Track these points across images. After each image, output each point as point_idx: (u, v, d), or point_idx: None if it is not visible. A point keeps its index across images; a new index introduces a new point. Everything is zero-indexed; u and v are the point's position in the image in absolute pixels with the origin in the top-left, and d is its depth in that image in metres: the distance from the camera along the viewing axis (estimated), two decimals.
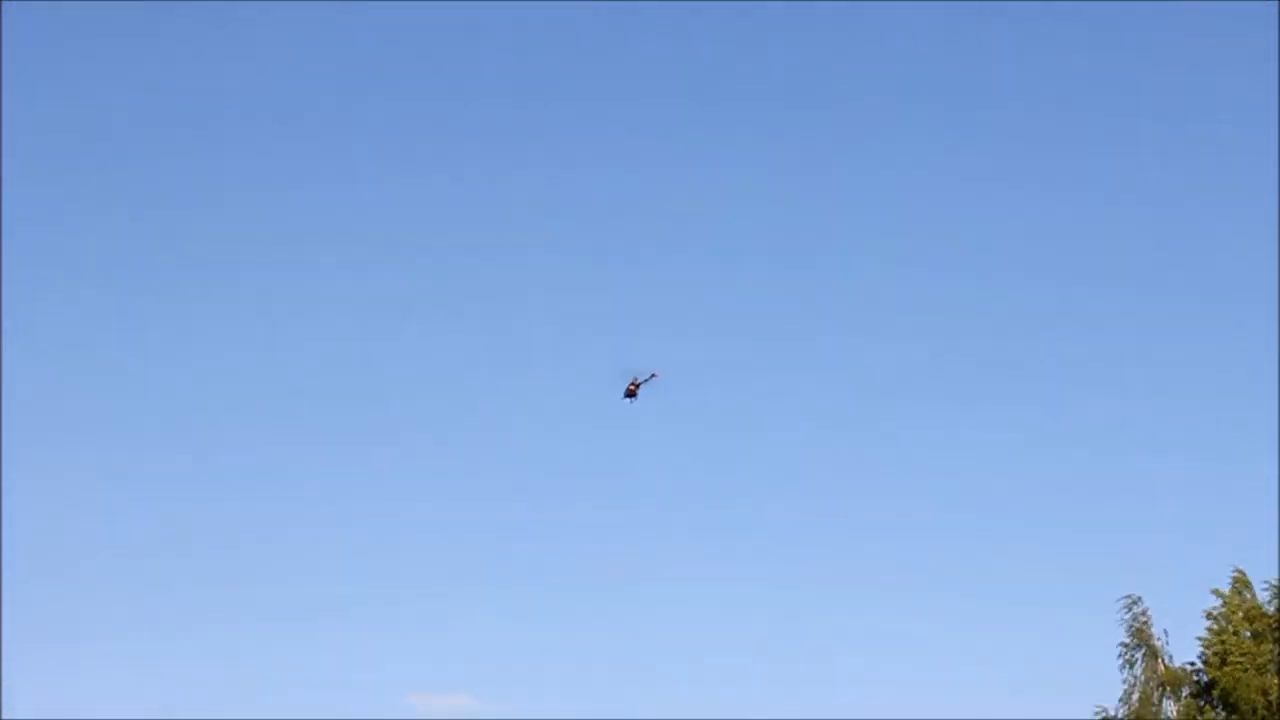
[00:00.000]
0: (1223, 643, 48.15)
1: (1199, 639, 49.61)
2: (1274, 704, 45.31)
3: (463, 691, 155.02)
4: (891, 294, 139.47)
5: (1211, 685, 48.25)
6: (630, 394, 48.21)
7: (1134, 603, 52.44)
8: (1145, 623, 52.02)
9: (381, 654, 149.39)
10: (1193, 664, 50.05)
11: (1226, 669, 47.08)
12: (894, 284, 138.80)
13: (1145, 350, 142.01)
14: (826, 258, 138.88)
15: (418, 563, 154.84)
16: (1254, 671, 46.44)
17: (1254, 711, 45.86)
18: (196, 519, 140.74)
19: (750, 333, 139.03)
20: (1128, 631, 51.96)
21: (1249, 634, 48.13)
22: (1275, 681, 45.80)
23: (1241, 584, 49.79)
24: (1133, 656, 51.47)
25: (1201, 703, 49.08)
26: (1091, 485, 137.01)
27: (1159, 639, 51.48)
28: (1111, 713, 51.21)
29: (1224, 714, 47.50)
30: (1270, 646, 47.06)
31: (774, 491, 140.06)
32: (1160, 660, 51.02)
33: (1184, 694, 49.96)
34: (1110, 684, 51.63)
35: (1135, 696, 50.49)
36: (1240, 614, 48.73)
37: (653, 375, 48.31)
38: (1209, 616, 49.50)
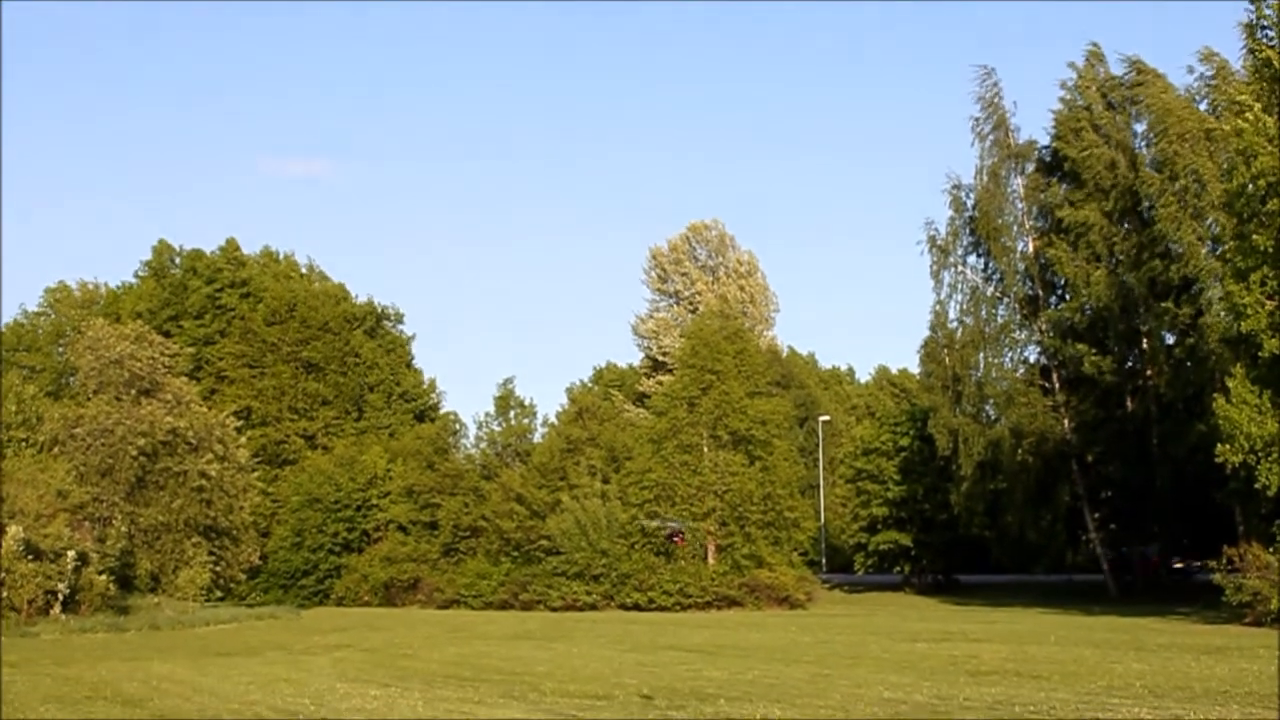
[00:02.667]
0: (1076, 117, 47.97)
1: (1052, 111, 49.41)
2: (1118, 177, 45.90)
3: (322, 156, 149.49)
4: None
5: (1061, 160, 48.62)
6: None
7: (987, 75, 51.36)
8: (996, 94, 51.23)
9: (230, 115, 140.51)
10: (1041, 143, 50.37)
11: (1079, 142, 47.17)
12: None
13: None
14: None
15: (271, 24, 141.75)
16: (1105, 147, 46.68)
17: (1099, 186, 46.54)
18: None
19: None
20: (980, 104, 51.32)
21: (1103, 105, 47.92)
22: (1122, 156, 46.14)
23: (1096, 58, 49.03)
24: (983, 130, 51.06)
25: (1049, 178, 49.80)
26: None
27: (1009, 111, 51.08)
28: (963, 182, 52.04)
29: (1069, 187, 48.22)
30: (1124, 117, 47.16)
31: None
32: (1009, 133, 51.02)
33: (1029, 168, 50.62)
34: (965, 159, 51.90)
35: (986, 169, 50.87)
36: (1094, 87, 48.39)
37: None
38: (1063, 87, 49.12)
